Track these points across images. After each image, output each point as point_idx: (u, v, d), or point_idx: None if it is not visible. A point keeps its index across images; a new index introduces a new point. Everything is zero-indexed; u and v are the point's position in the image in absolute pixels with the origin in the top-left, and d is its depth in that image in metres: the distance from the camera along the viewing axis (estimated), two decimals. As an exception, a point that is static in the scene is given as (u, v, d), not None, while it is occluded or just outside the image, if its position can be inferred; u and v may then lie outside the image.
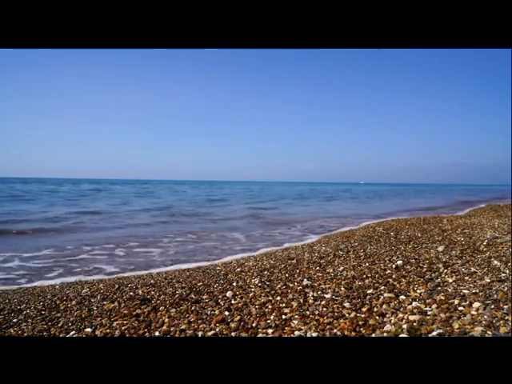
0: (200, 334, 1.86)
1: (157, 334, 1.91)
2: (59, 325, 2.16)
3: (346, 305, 2.09)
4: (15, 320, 2.31)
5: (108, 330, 1.99)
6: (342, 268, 3.07)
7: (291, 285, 2.65)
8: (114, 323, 2.10)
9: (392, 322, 1.78)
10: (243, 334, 1.81)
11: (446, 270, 2.63)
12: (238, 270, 3.44)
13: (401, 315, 1.84)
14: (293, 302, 2.21)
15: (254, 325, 1.92)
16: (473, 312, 1.73)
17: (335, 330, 1.75)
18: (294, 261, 3.60)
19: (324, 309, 2.06)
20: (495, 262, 2.69)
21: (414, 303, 1.99)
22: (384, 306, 2.00)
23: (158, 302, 2.48)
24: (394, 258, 3.30)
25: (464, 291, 2.07)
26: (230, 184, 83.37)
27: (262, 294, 2.45)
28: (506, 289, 2.00)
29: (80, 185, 42.70)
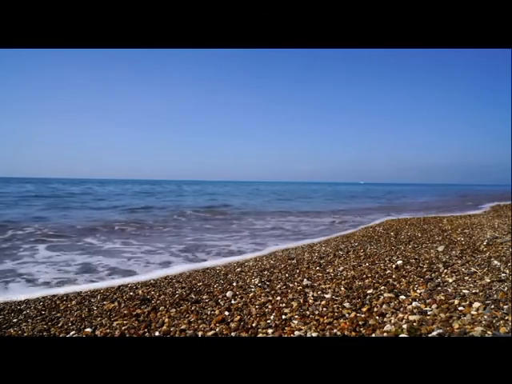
0: (200, 334, 1.86)
1: (157, 334, 1.91)
2: (59, 325, 2.16)
3: (346, 305, 2.09)
4: (15, 320, 2.31)
5: (108, 330, 1.99)
6: (342, 268, 3.07)
7: (291, 285, 2.64)
8: (114, 323, 2.10)
9: (392, 321, 1.78)
10: (243, 334, 1.81)
11: (446, 270, 2.63)
12: (238, 270, 3.44)
13: (401, 315, 1.84)
14: (293, 302, 2.21)
15: (253, 325, 1.91)
16: (473, 312, 1.73)
17: (335, 330, 1.75)
18: (294, 261, 3.60)
19: (324, 309, 2.06)
20: (495, 261, 2.69)
21: (414, 303, 1.98)
22: (384, 306, 2.00)
23: (158, 302, 2.48)
24: (394, 257, 3.30)
25: (464, 291, 2.08)
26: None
27: (262, 294, 2.45)
28: (506, 289, 2.00)
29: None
